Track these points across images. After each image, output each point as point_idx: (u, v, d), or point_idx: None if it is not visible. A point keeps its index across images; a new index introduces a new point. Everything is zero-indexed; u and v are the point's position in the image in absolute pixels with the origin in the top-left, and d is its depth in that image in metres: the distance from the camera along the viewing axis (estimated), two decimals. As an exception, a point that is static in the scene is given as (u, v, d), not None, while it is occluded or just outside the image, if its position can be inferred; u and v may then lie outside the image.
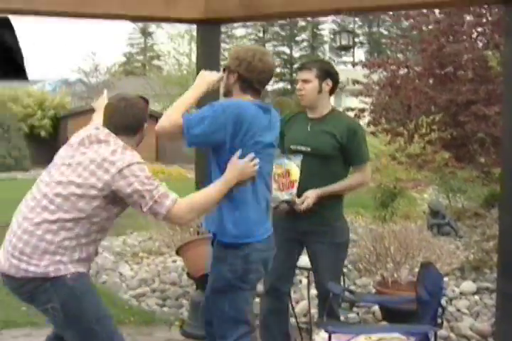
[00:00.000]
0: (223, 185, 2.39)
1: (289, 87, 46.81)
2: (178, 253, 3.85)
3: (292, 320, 3.67)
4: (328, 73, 3.11)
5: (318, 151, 3.08)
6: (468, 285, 4.73)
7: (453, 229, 6.77)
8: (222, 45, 5.79)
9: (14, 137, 18.04)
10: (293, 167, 3.05)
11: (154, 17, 4.09)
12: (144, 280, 5.17)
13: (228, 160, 2.41)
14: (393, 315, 3.72)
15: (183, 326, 4.02)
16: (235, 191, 2.42)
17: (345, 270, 4.68)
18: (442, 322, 2.66)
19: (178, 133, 2.37)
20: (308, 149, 3.09)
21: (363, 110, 8.98)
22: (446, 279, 4.74)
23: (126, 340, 2.51)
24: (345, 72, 30.03)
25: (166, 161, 18.21)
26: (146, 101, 2.55)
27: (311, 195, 3.02)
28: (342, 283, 3.61)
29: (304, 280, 4.76)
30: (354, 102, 10.04)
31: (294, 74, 54.09)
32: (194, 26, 4.20)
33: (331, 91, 3.16)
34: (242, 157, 2.40)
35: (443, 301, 3.39)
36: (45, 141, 18.98)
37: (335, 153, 3.08)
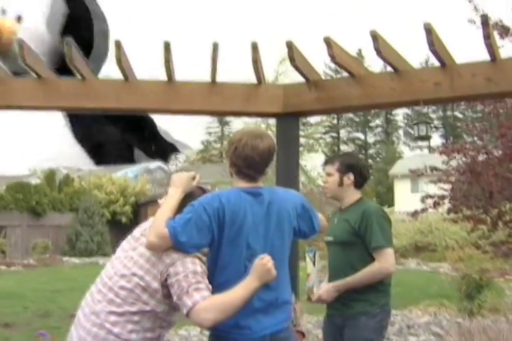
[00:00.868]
0: (245, 288, 2.26)
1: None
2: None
3: None
4: (349, 167, 3.26)
5: (338, 239, 3.22)
6: None
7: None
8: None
9: (97, 223, 18.70)
10: (307, 260, 3.21)
11: (235, 112, 4.28)
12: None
13: (218, 257, 2.36)
14: None
15: None
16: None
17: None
18: None
19: (169, 244, 2.30)
20: (331, 238, 3.26)
21: (442, 197, 8.79)
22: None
23: None
24: (421, 157, 29.68)
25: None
26: (204, 191, 2.58)
27: (324, 288, 3.15)
28: None
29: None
30: (433, 189, 9.88)
31: (369, 160, 54.16)
32: (271, 115, 4.38)
33: (356, 185, 3.28)
34: (229, 255, 2.36)
35: None
36: (125, 227, 19.55)
37: (353, 240, 3.14)
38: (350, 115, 53.80)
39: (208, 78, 3.95)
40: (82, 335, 2.33)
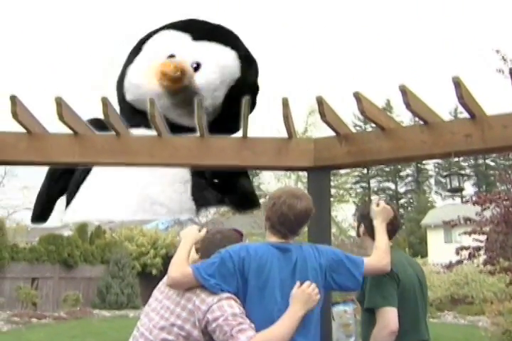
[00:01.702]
0: (291, 318, 2.33)
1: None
2: None
3: None
4: (361, 217, 3.16)
5: (357, 296, 3.09)
6: None
7: None
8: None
9: (128, 275, 18.68)
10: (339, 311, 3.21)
11: (266, 166, 4.32)
12: None
13: (246, 308, 2.37)
14: None
15: None
16: None
17: None
18: None
19: (190, 283, 2.37)
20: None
21: (478, 248, 8.62)
22: None
23: None
24: (453, 206, 29.20)
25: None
26: (241, 234, 2.66)
27: None
28: None
29: None
30: (467, 240, 9.70)
31: (401, 210, 53.55)
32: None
33: (370, 235, 3.04)
34: (257, 307, 2.36)
35: None
36: (155, 279, 19.38)
37: (362, 300, 2.97)
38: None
39: (239, 133, 4.03)
40: None
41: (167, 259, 21.24)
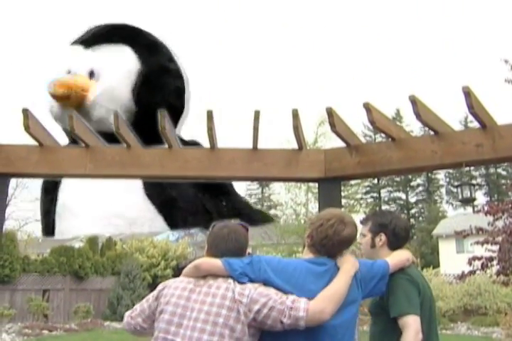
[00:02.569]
0: (345, 274, 2.47)
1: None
2: None
3: None
4: (381, 226, 2.99)
5: (369, 307, 3.00)
6: None
7: None
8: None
9: (138, 287, 18.66)
10: None
11: (277, 178, 4.32)
12: None
13: None
14: None
15: None
16: None
17: None
18: None
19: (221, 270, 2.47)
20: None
21: (490, 259, 8.55)
22: None
23: None
24: (465, 216, 28.91)
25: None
26: (246, 229, 2.68)
27: None
28: None
29: None
30: (479, 250, 9.63)
31: (412, 220, 53.23)
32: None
33: (390, 245, 2.97)
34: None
35: None
36: (166, 291, 19.41)
37: (378, 311, 2.88)
38: (391, 174, 53.50)
39: (249, 144, 4.03)
40: None
41: (178, 271, 21.21)
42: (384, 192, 56.14)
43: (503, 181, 52.23)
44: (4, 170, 4.11)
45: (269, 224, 23.88)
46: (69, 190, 21.59)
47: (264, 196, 55.27)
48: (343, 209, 3.40)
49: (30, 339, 13.31)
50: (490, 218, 9.02)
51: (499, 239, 8.74)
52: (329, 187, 4.10)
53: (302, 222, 19.03)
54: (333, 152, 4.09)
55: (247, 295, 2.36)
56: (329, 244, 2.55)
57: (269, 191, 52.93)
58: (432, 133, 3.81)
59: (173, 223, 23.98)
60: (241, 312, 2.34)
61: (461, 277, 9.64)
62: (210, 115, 3.87)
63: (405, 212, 53.84)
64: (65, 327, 15.39)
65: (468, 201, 36.02)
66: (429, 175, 55.02)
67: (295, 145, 4.09)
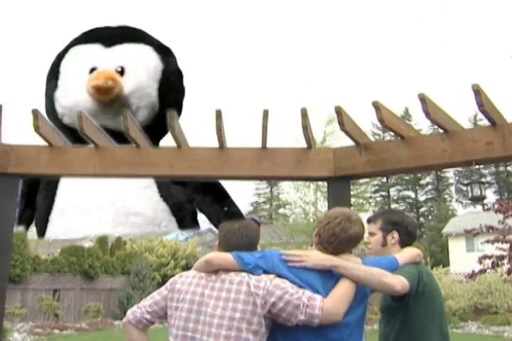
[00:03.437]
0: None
1: (416, 231, 45.46)
2: None
3: None
4: (393, 224, 2.96)
5: (379, 305, 2.99)
6: None
7: None
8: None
9: (148, 286, 18.70)
10: None
11: (286, 177, 4.33)
12: None
13: None
14: None
15: None
16: None
17: None
18: None
19: (229, 264, 2.49)
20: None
21: (501, 257, 8.51)
22: None
23: None
24: (475, 214, 28.75)
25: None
26: (258, 223, 2.70)
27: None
28: None
29: None
30: (490, 248, 9.59)
31: (421, 219, 53.05)
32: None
33: (401, 244, 2.94)
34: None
35: None
36: (176, 290, 19.43)
37: (392, 307, 2.83)
38: (400, 173, 53.26)
39: (257, 143, 4.03)
40: None
41: (187, 270, 21.20)
42: (393, 191, 55.97)
43: (513, 179, 51.97)
44: (15, 171, 4.14)
45: (277, 222, 23.91)
46: (73, 187, 21.56)
47: (273, 195, 55.27)
48: (352, 208, 3.39)
49: (41, 338, 13.39)
50: (500, 216, 8.98)
51: (510, 237, 8.70)
52: (338, 186, 4.10)
53: (311, 220, 19.02)
54: (343, 151, 4.08)
55: (263, 287, 2.38)
56: (336, 241, 2.55)
57: (278, 190, 52.94)
58: (441, 131, 3.80)
59: (182, 224, 24.02)
60: (258, 304, 2.36)
61: (472, 276, 9.59)
62: (219, 114, 3.88)
63: (414, 210, 53.66)
64: (76, 326, 15.46)
65: (479, 199, 35.86)
66: (439, 173, 54.80)
67: (303, 144, 4.09)
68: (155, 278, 19.68)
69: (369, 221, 3.10)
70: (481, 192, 30.67)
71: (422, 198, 55.74)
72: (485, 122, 3.72)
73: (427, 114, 3.53)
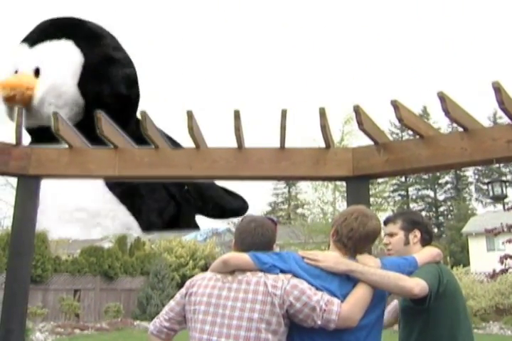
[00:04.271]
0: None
1: (435, 230, 45.21)
2: None
3: None
4: (414, 223, 2.97)
5: (400, 305, 2.97)
6: None
7: None
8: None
9: (167, 286, 18.80)
10: None
11: (305, 177, 4.32)
12: None
13: None
14: None
15: None
16: None
17: None
18: None
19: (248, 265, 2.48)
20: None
21: (522, 257, 8.41)
22: None
23: None
24: (495, 214, 28.42)
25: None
26: (275, 223, 2.68)
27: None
28: None
29: None
30: (511, 248, 9.49)
31: (440, 218, 52.61)
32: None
33: (422, 242, 2.95)
34: None
35: None
36: (195, 290, 19.49)
37: (412, 307, 2.77)
38: (418, 172, 52.84)
39: (275, 143, 4.03)
40: None
41: (206, 270, 21.24)
42: (412, 190, 55.58)
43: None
44: (36, 172, 4.19)
45: (296, 222, 23.83)
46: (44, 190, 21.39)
47: (291, 195, 55.18)
48: (370, 208, 3.37)
49: (62, 337, 13.52)
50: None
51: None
52: (357, 186, 4.08)
53: (329, 220, 18.96)
54: (361, 150, 4.07)
55: (280, 287, 2.37)
56: (356, 236, 2.54)
57: (296, 190, 52.85)
58: (460, 129, 3.77)
59: (135, 211, 23.55)
60: (276, 304, 2.35)
61: (493, 276, 9.50)
62: (237, 115, 3.88)
63: (434, 209, 53.25)
64: (96, 326, 15.59)
65: (500, 198, 35.46)
66: (458, 172, 54.29)
67: (321, 144, 4.08)
68: (174, 279, 19.77)
69: (387, 222, 3.09)
70: (502, 190, 30.33)
71: (441, 197, 55.27)
72: (505, 120, 3.68)
73: (447, 113, 3.50)
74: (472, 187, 56.10)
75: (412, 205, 53.40)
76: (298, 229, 20.42)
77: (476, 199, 55.25)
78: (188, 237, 24.86)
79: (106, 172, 4.24)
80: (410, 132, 3.94)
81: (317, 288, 2.42)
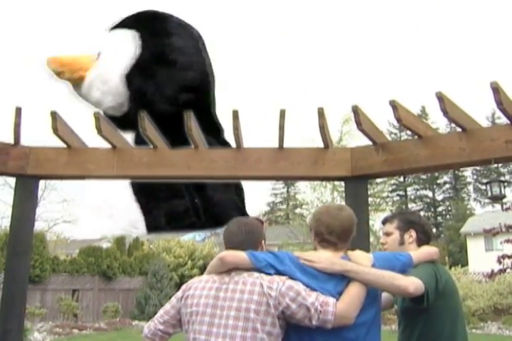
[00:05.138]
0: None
1: (434, 230, 45.21)
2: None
3: None
4: (410, 223, 2.98)
5: (398, 306, 3.00)
6: None
7: None
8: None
9: (166, 286, 18.80)
10: None
11: (303, 177, 4.32)
12: None
13: None
14: None
15: None
16: None
17: None
18: None
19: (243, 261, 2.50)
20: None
21: (521, 257, 8.42)
22: None
23: None
24: (493, 214, 28.46)
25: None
26: (261, 222, 2.74)
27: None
28: None
29: None
30: (509, 248, 9.50)
31: (439, 218, 52.65)
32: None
33: (419, 242, 2.95)
34: None
35: None
36: (193, 290, 19.50)
37: (411, 307, 2.79)
38: (417, 172, 52.87)
39: (275, 143, 4.03)
40: None
41: (204, 270, 21.27)
42: (410, 190, 55.59)
43: (532, 178, 51.41)
44: (33, 172, 4.18)
45: (294, 222, 23.84)
46: None
47: (290, 195, 55.19)
48: (369, 208, 3.37)
49: (61, 338, 13.52)
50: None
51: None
52: (356, 186, 4.09)
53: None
54: (360, 150, 4.07)
55: (275, 289, 2.38)
56: (335, 229, 2.54)
57: (295, 190, 52.86)
58: (459, 130, 3.77)
59: (146, 211, 23.62)
60: (271, 305, 2.36)
61: (491, 275, 9.51)
62: (236, 115, 3.88)
63: (432, 210, 53.27)
64: (95, 326, 15.59)
65: (498, 198, 35.48)
66: (456, 172, 54.33)
67: (319, 144, 4.08)
68: (172, 279, 19.76)
69: (384, 222, 3.11)
70: (500, 191, 30.34)
71: (439, 197, 55.29)
72: (503, 120, 3.68)
73: (445, 113, 3.50)
74: (470, 187, 56.13)
75: (410, 205, 53.43)
76: (296, 229, 20.43)
77: (475, 199, 55.31)
78: (187, 237, 24.84)
79: (104, 173, 4.23)
80: (409, 132, 3.95)
81: (313, 289, 2.42)
